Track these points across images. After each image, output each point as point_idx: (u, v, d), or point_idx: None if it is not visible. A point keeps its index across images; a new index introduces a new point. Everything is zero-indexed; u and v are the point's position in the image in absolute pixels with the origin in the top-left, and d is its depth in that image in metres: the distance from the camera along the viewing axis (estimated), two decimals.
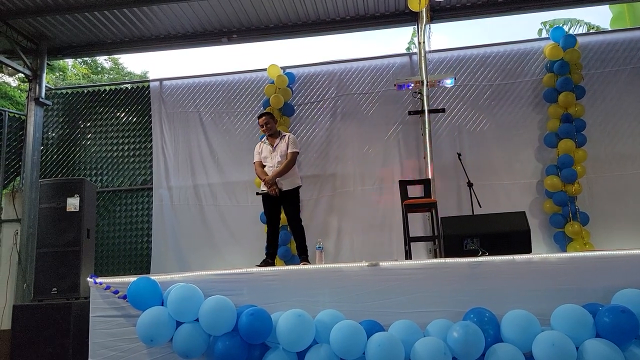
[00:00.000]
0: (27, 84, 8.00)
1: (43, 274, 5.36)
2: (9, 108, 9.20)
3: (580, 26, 11.43)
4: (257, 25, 7.55)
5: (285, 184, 5.41)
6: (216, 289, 3.75)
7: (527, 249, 4.13)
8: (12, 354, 4.88)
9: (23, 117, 7.82)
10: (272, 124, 5.59)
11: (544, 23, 11.92)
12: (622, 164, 6.65)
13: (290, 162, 5.43)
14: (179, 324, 3.62)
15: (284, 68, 7.45)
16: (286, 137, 5.58)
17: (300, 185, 5.59)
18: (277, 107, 7.16)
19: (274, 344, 3.52)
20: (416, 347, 3.25)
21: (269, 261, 5.48)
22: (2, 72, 10.83)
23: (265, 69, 7.44)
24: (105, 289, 3.89)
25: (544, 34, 11.23)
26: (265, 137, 5.65)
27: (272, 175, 5.36)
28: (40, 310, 5.02)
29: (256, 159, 5.62)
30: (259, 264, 5.35)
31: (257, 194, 5.62)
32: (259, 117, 5.66)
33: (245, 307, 3.58)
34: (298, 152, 5.57)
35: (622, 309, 3.16)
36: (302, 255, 5.47)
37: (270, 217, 5.57)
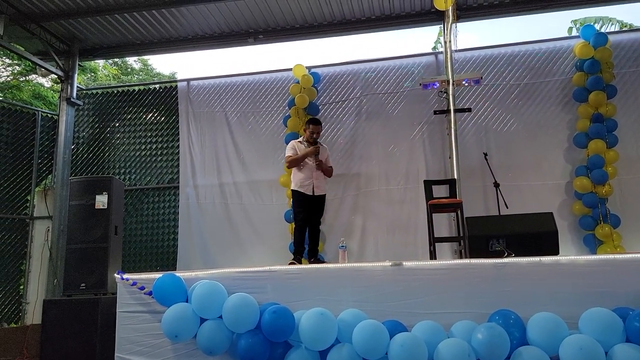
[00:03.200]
0: (59, 85, 8.20)
1: (72, 270, 5.48)
2: (42, 108, 9.44)
3: (612, 24, 11.14)
4: (283, 25, 7.58)
5: (322, 189, 5.66)
6: (240, 287, 3.77)
7: (555, 251, 4.05)
8: (42, 347, 5.01)
9: (55, 117, 8.02)
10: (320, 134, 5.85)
11: (575, 21, 11.66)
12: None
13: (331, 173, 5.85)
14: (202, 320, 3.66)
15: (309, 68, 7.47)
16: (325, 148, 5.86)
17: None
18: (302, 107, 7.18)
19: (296, 342, 3.52)
20: (440, 348, 3.22)
21: (298, 259, 5.54)
22: (36, 73, 11.10)
23: (290, 69, 7.47)
24: (132, 285, 3.95)
25: (574, 33, 11.00)
26: (302, 138, 5.80)
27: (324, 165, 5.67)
28: (69, 305, 5.14)
29: (292, 153, 5.71)
30: (290, 262, 5.43)
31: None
32: (316, 123, 5.73)
33: (268, 304, 3.60)
34: None
35: None
36: (313, 258, 5.63)
37: (304, 218, 5.62)
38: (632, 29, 9.06)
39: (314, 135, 5.66)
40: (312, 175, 5.58)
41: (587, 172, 6.44)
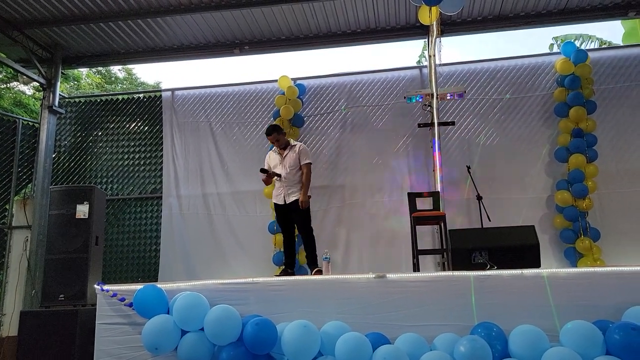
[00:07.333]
0: (41, 93, 8.10)
1: (51, 281, 5.37)
2: (23, 116, 9.31)
3: (592, 41, 11.40)
4: (269, 37, 7.60)
5: (293, 195, 5.46)
6: (222, 298, 3.75)
7: (536, 264, 4.08)
8: (18, 359, 4.89)
9: (36, 125, 7.90)
10: (281, 139, 5.58)
11: (556, 38, 11.92)
12: (634, 180, 6.56)
13: (308, 175, 5.49)
14: (184, 332, 3.62)
15: (294, 79, 7.49)
16: (296, 147, 5.59)
17: (309, 196, 5.59)
18: (287, 118, 7.19)
19: (279, 355, 3.50)
20: None
21: (288, 271, 5.49)
22: (18, 80, 10.98)
23: (276, 80, 7.48)
24: (112, 296, 3.90)
25: (556, 49, 11.22)
26: (274, 147, 5.68)
27: (302, 196, 5.39)
28: (47, 317, 5.02)
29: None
30: (278, 274, 5.35)
31: (261, 170, 5.55)
32: (267, 135, 5.59)
33: (250, 317, 3.57)
34: (311, 163, 5.60)
35: (632, 326, 3.12)
36: (312, 266, 5.45)
37: (282, 226, 5.66)
38: (611, 47, 9.29)
39: (275, 145, 5.59)
40: (282, 185, 5.55)
41: (568, 186, 6.53)
